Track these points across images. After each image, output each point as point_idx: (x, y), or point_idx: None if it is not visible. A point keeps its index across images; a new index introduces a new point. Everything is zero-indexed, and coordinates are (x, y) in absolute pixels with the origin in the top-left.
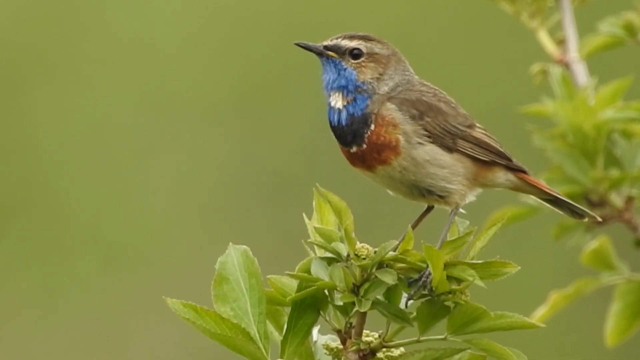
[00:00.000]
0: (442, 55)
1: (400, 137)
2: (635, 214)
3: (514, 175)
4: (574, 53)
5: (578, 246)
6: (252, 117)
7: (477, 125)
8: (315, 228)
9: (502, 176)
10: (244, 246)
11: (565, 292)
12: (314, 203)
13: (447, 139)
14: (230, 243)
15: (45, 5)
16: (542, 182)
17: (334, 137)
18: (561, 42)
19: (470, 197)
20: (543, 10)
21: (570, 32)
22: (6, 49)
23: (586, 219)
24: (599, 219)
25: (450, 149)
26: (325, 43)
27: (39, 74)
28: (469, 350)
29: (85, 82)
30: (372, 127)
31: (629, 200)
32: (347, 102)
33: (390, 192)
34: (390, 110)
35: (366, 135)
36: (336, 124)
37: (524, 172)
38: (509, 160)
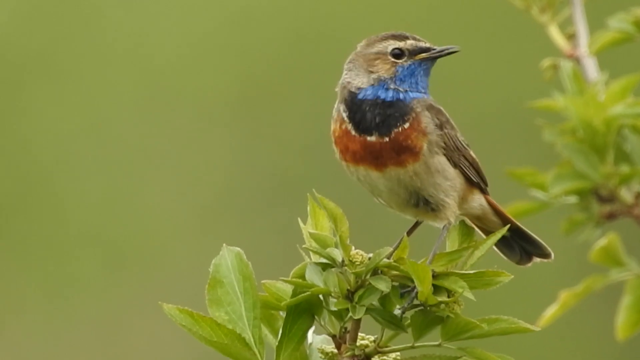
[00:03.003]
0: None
1: (425, 145)
2: None
3: (487, 201)
4: (584, 48)
5: (586, 243)
6: (256, 120)
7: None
8: (310, 233)
9: (477, 200)
10: (238, 248)
11: (575, 290)
12: (308, 208)
13: (455, 153)
14: (224, 244)
15: (44, 5)
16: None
17: (349, 122)
18: (571, 37)
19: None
20: (553, 5)
21: (581, 26)
22: (5, 48)
23: (530, 264)
24: (552, 259)
25: (455, 164)
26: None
27: (39, 73)
28: (463, 358)
29: (87, 82)
30: (406, 125)
31: (639, 195)
32: (407, 90)
33: (381, 200)
34: (426, 118)
35: (395, 130)
36: (374, 97)
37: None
38: (487, 186)
